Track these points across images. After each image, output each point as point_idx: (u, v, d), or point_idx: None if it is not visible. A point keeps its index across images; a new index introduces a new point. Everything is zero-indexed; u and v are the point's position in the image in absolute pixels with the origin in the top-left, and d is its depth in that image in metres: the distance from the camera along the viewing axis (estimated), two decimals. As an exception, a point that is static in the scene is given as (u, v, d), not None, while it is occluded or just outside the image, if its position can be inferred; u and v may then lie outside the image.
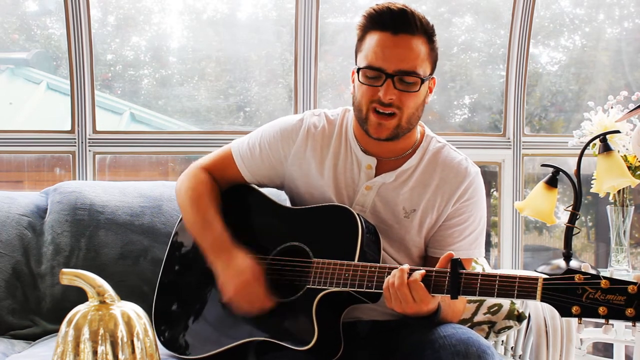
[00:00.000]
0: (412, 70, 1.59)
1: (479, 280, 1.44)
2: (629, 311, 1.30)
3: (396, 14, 1.59)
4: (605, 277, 1.33)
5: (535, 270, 2.48)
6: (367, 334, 1.72)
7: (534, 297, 1.38)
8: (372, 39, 1.61)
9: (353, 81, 1.68)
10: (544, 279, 1.38)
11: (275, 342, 1.57)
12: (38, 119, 3.55)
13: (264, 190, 1.84)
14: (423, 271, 1.48)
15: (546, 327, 1.91)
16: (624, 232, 2.60)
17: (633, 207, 2.62)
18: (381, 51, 1.59)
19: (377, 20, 1.61)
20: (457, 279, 1.45)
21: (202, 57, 3.36)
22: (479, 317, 2.05)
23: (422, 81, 1.61)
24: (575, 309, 1.34)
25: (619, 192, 2.60)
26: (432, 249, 1.75)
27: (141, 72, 3.45)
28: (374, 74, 1.60)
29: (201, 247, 1.72)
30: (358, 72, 1.64)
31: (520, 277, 1.40)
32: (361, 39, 1.65)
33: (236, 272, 1.62)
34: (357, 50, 1.67)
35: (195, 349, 1.71)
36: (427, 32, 1.62)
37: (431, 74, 1.66)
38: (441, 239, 1.73)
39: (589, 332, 2.67)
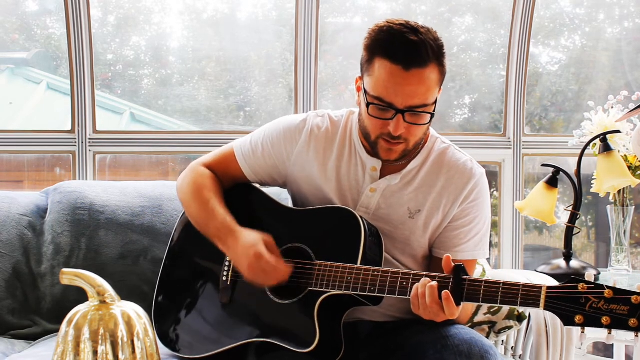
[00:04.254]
0: (422, 104, 1.55)
1: (482, 287, 1.43)
2: (632, 321, 1.30)
3: (407, 46, 1.51)
4: (608, 287, 1.33)
5: (536, 270, 2.48)
6: (369, 335, 1.72)
7: (537, 306, 1.38)
8: (382, 68, 1.54)
9: (358, 89, 1.64)
10: (548, 288, 1.37)
11: (276, 343, 1.57)
12: (38, 119, 3.55)
13: (266, 189, 1.84)
14: (436, 284, 1.46)
15: (546, 327, 1.91)
16: (624, 232, 2.60)
17: (633, 207, 2.62)
18: (392, 87, 1.53)
19: (388, 50, 1.53)
20: (460, 286, 1.45)
21: (202, 57, 3.36)
22: (480, 317, 2.05)
23: (432, 115, 1.58)
24: (578, 318, 1.34)
25: (619, 192, 2.60)
26: (438, 250, 1.74)
27: (141, 72, 3.45)
28: (384, 106, 1.56)
29: (208, 237, 1.71)
30: (365, 93, 1.59)
31: (524, 285, 1.40)
32: (370, 61, 1.57)
33: (246, 248, 1.60)
34: (365, 70, 1.60)
35: (196, 349, 1.71)
36: (438, 57, 1.55)
37: (439, 91, 1.62)
38: (447, 240, 1.72)
39: (590, 332, 2.66)
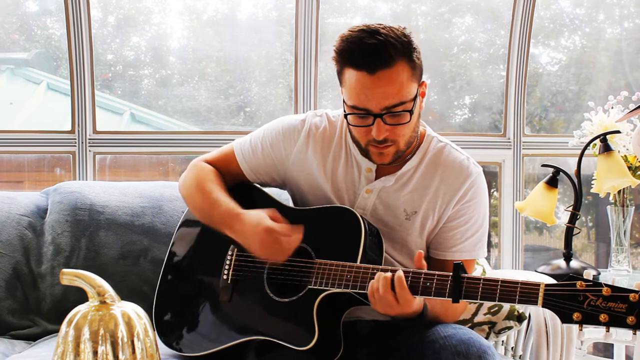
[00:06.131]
0: (398, 102, 1.55)
1: (480, 285, 1.43)
2: (630, 319, 1.30)
3: (367, 51, 1.51)
4: (607, 285, 1.33)
5: (536, 271, 2.48)
6: (368, 334, 1.72)
7: (535, 303, 1.38)
8: (350, 77, 1.56)
9: (343, 103, 1.64)
10: (546, 285, 1.38)
11: (276, 341, 1.57)
12: (38, 119, 3.55)
13: (266, 189, 1.84)
14: (402, 273, 1.48)
15: (546, 327, 1.91)
16: (624, 232, 2.60)
17: (633, 207, 2.62)
18: (363, 93, 1.54)
19: (350, 59, 1.55)
20: (459, 283, 1.45)
21: (202, 57, 3.36)
22: (480, 318, 2.05)
23: (411, 112, 1.57)
24: (576, 316, 1.34)
25: (619, 192, 2.60)
26: (435, 250, 1.74)
27: (141, 72, 3.45)
28: (361, 113, 1.57)
29: (215, 227, 1.71)
30: (344, 103, 1.60)
31: (522, 283, 1.40)
32: (340, 72, 1.60)
33: (253, 227, 1.60)
34: (340, 81, 1.62)
35: (196, 346, 1.71)
36: (404, 53, 1.54)
37: (420, 86, 1.61)
38: (443, 240, 1.72)
39: (589, 333, 2.67)
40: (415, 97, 1.59)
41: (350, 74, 1.56)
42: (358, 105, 1.56)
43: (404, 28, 1.58)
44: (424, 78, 1.64)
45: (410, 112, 1.57)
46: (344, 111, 1.61)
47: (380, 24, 1.56)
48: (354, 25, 1.58)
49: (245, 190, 1.83)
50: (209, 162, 1.84)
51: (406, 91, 1.55)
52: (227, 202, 1.69)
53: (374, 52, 1.52)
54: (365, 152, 1.65)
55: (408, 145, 1.65)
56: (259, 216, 1.61)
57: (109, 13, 3.32)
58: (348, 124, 1.62)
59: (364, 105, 1.55)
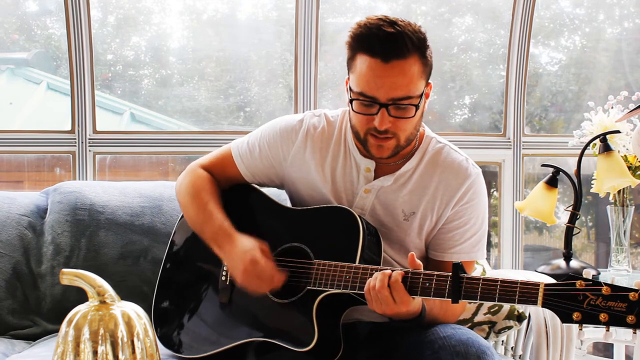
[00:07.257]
0: (405, 95, 1.54)
1: (480, 285, 1.43)
2: (630, 318, 1.29)
3: (385, 39, 1.51)
4: (606, 284, 1.32)
5: (536, 271, 2.48)
6: (367, 335, 1.71)
7: (535, 303, 1.37)
8: (362, 63, 1.55)
9: (348, 91, 1.64)
10: (545, 285, 1.37)
11: (275, 342, 1.57)
12: (38, 119, 3.55)
13: (265, 190, 1.84)
14: (402, 272, 1.47)
15: (546, 327, 1.91)
16: (624, 232, 2.60)
17: (633, 207, 2.62)
18: (373, 80, 1.53)
19: (366, 45, 1.54)
20: (458, 284, 1.44)
21: (202, 57, 3.36)
22: (479, 317, 2.05)
23: (417, 107, 1.57)
24: (576, 315, 1.33)
25: (619, 192, 2.60)
26: (433, 252, 1.74)
27: (141, 72, 3.45)
28: (367, 101, 1.56)
29: (204, 240, 1.71)
30: (350, 91, 1.60)
31: (522, 283, 1.40)
32: (351, 58, 1.59)
33: (242, 253, 1.61)
34: (349, 67, 1.61)
35: (195, 348, 1.71)
36: (419, 48, 1.55)
37: (426, 85, 1.61)
38: (442, 242, 1.72)
39: (589, 333, 2.67)
40: (422, 94, 1.58)
41: (363, 60, 1.55)
42: (366, 93, 1.55)
43: (420, 26, 1.58)
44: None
45: (416, 107, 1.57)
46: (349, 97, 1.60)
47: (397, 17, 1.57)
48: (370, 15, 1.58)
49: (243, 191, 1.83)
50: (206, 166, 1.83)
51: (415, 86, 1.55)
52: (220, 219, 1.69)
53: (391, 40, 1.52)
54: (364, 144, 1.64)
55: (408, 142, 1.64)
56: (251, 244, 1.62)
57: (109, 13, 3.32)
58: (351, 109, 1.60)
59: (372, 93, 1.54)
